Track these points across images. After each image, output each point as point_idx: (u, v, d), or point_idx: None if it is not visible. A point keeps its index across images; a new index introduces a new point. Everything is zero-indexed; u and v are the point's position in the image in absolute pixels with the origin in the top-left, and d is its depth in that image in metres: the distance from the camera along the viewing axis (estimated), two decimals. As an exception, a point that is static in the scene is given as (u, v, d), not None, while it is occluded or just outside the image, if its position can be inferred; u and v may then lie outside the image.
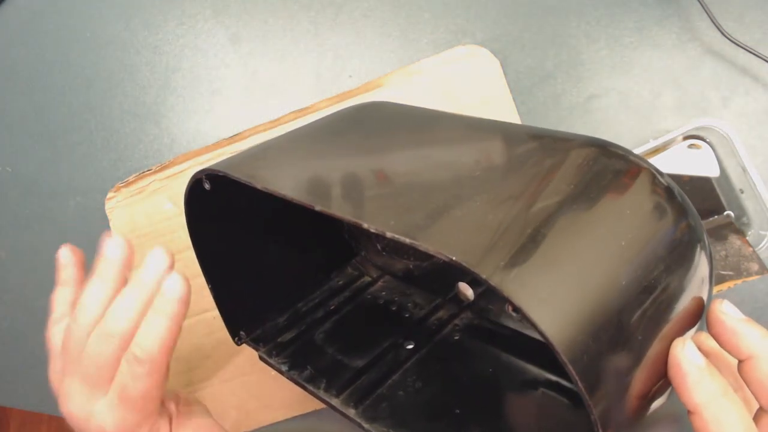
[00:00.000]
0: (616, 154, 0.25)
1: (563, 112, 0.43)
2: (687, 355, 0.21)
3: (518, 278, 0.19)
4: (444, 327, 0.34)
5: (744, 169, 0.40)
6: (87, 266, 0.46)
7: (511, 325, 0.33)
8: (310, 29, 0.44)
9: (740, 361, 0.22)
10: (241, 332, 0.35)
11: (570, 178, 0.23)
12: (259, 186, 0.25)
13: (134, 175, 0.43)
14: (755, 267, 0.38)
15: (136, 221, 0.43)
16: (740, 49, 0.41)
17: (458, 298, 0.35)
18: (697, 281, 0.23)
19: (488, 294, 0.34)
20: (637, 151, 0.40)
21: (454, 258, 0.19)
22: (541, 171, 0.24)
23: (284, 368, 0.32)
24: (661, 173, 0.24)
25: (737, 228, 0.40)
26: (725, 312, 0.22)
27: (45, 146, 0.45)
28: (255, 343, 0.34)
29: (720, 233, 0.40)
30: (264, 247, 0.35)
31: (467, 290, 0.35)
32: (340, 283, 0.38)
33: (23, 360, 0.47)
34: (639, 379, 0.20)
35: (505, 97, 0.42)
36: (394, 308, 0.36)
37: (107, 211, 0.43)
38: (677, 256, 0.22)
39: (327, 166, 0.28)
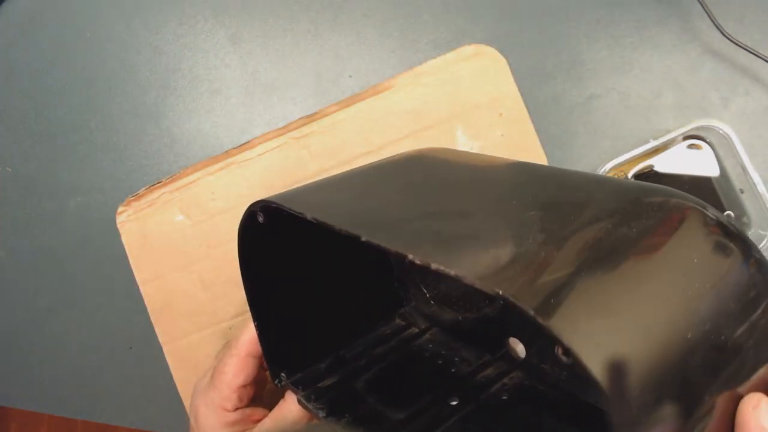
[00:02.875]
0: (671, 198, 0.23)
1: (563, 112, 0.43)
2: (759, 415, 0.18)
3: (569, 318, 0.17)
4: (492, 385, 0.33)
5: (744, 169, 0.40)
6: (91, 270, 0.46)
7: (565, 387, 0.31)
8: (310, 29, 0.44)
9: None
10: (282, 374, 0.34)
11: (627, 221, 0.22)
12: (309, 216, 0.25)
13: (144, 188, 0.43)
14: (755, 267, 0.38)
15: (147, 235, 0.43)
16: (740, 49, 0.41)
17: (509, 356, 0.34)
18: None
19: (541, 352, 0.32)
20: (637, 151, 0.40)
21: (500, 292, 0.17)
22: (598, 214, 0.23)
23: (322, 414, 0.31)
24: (706, 206, 0.23)
25: (737, 228, 0.40)
26: None
27: (45, 146, 0.45)
28: (295, 386, 0.33)
29: (720, 233, 0.40)
30: (314, 290, 0.35)
31: (518, 346, 0.33)
32: (387, 332, 0.37)
33: (23, 360, 0.47)
34: None
35: (513, 96, 0.42)
36: (440, 362, 0.35)
37: (118, 226, 0.43)
38: (753, 306, 0.20)
39: (379, 202, 0.27)
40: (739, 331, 0.19)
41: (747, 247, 0.21)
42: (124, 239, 0.43)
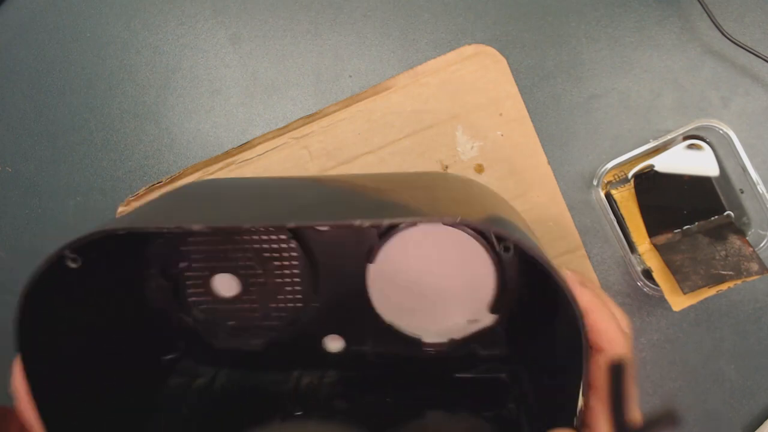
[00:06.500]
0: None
1: (563, 112, 0.43)
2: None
3: (498, 224, 0.23)
4: (320, 389, 0.32)
5: (744, 169, 0.40)
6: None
7: (382, 359, 0.33)
8: (310, 29, 0.44)
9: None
10: None
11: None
12: (199, 227, 0.23)
13: (144, 188, 0.43)
14: (755, 267, 0.38)
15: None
16: (740, 49, 0.41)
17: (315, 364, 0.33)
18: None
19: (361, 335, 0.33)
20: (637, 151, 0.40)
21: (458, 219, 0.21)
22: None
23: None
24: None
25: (737, 228, 0.40)
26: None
27: (45, 146, 0.45)
28: None
29: (720, 233, 0.40)
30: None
31: (334, 342, 0.33)
32: (176, 392, 0.32)
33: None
34: None
35: (513, 96, 0.42)
36: (251, 393, 0.32)
37: None
38: None
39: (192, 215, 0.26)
40: None
41: None
42: (123, 239, 0.43)
